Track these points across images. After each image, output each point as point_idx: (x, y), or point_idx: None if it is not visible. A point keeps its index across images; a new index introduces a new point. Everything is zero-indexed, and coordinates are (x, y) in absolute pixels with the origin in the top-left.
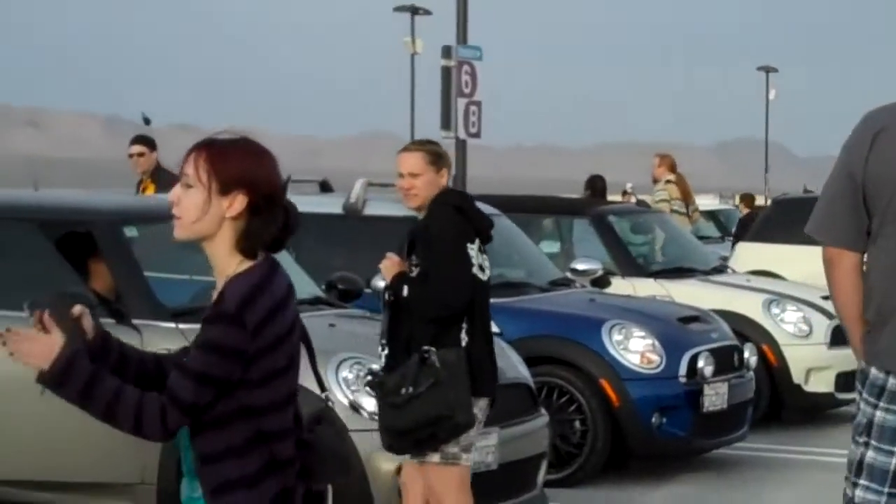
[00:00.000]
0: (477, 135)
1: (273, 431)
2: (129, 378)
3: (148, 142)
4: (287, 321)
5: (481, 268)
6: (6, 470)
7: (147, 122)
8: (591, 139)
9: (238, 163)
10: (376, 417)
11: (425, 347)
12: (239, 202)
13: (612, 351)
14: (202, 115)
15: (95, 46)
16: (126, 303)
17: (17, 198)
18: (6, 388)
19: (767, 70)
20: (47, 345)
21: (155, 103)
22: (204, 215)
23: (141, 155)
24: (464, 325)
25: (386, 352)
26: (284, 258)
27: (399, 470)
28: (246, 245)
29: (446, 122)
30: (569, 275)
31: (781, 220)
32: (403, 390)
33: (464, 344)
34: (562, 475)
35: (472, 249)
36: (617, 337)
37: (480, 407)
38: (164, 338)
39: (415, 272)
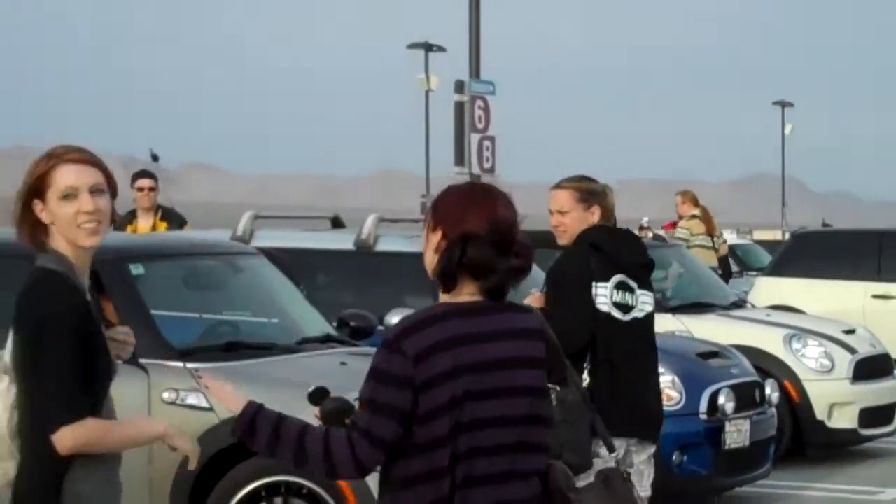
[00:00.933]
0: (491, 170)
1: (436, 470)
2: None
3: (155, 177)
4: (455, 361)
5: (620, 306)
6: None
7: (155, 158)
8: (611, 175)
9: (447, 203)
10: None
11: (549, 385)
12: (438, 238)
13: None
14: (218, 154)
15: (108, 86)
16: None
17: None
18: None
19: (783, 104)
20: (236, 396)
21: (169, 143)
22: (427, 250)
23: (152, 189)
24: (586, 365)
25: None
26: (293, 295)
27: None
28: (435, 278)
29: (460, 158)
30: None
31: (801, 254)
32: None
33: (585, 383)
34: None
35: (604, 287)
36: None
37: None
38: (171, 377)
39: None
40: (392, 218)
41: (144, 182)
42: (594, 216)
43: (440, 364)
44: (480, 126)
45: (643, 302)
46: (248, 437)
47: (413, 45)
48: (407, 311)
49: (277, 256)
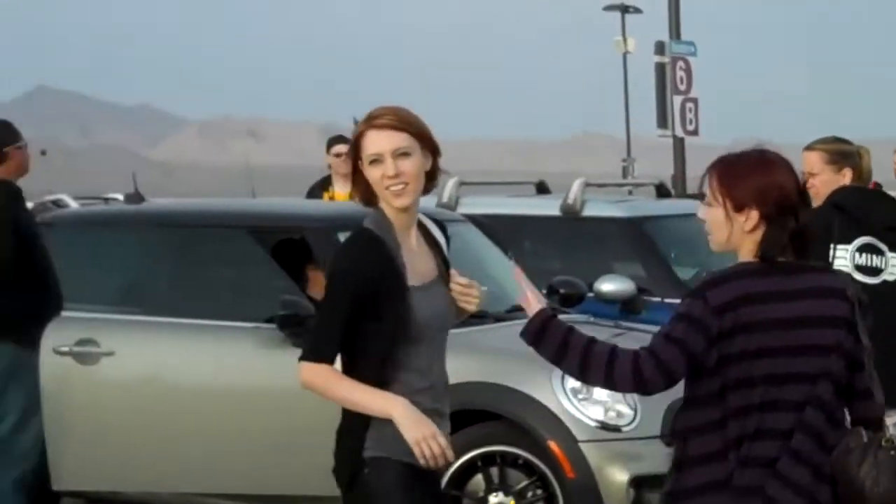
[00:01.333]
0: (695, 132)
1: (727, 416)
2: None
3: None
4: (753, 317)
5: (865, 269)
6: (214, 484)
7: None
8: (808, 136)
9: (747, 180)
10: (605, 427)
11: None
12: (752, 217)
13: None
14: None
15: (310, 56)
16: None
17: (233, 206)
18: (214, 405)
19: None
20: (538, 300)
21: (363, 108)
22: (728, 232)
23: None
24: None
25: None
26: (502, 263)
27: (633, 482)
28: (761, 253)
29: (663, 120)
30: None
31: None
32: None
33: None
34: None
35: (844, 250)
36: None
37: None
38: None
39: None
40: (598, 182)
41: (341, 148)
42: (845, 178)
43: (738, 318)
44: (682, 88)
45: (894, 265)
46: (538, 341)
47: (609, 7)
48: (616, 277)
49: (484, 223)
